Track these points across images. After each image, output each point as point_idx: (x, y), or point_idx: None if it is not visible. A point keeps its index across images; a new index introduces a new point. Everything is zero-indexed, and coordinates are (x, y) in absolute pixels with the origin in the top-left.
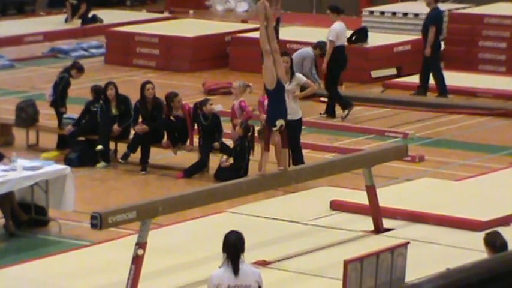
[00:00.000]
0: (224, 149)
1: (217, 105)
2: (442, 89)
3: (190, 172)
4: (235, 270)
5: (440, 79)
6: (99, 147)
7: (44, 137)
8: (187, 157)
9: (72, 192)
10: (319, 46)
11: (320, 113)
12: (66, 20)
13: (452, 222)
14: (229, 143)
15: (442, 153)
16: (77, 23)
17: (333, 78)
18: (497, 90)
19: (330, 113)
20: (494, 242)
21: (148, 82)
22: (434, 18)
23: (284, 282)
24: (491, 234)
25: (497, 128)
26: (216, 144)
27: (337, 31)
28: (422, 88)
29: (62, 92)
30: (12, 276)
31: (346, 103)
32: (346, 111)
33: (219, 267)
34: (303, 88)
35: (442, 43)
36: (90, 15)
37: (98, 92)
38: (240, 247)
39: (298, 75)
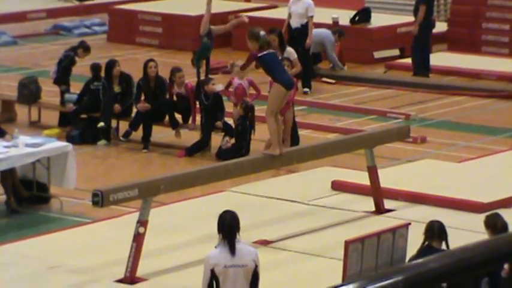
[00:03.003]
0: (226, 129)
1: (219, 84)
2: (419, 69)
3: (191, 151)
4: (232, 250)
5: (421, 59)
6: (101, 124)
7: (46, 114)
8: (189, 136)
9: (73, 169)
10: (339, 32)
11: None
12: None
13: (454, 203)
14: (230, 122)
15: (444, 135)
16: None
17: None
18: (500, 72)
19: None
20: (494, 224)
21: (151, 60)
22: None
23: (285, 261)
24: (491, 216)
25: (500, 110)
26: (219, 123)
27: (313, 6)
28: (424, 68)
29: (65, 69)
30: (13, 253)
31: (310, 84)
32: (306, 89)
33: (215, 247)
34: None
35: (446, 24)
36: None
37: (97, 69)
38: (235, 226)
39: (290, 50)
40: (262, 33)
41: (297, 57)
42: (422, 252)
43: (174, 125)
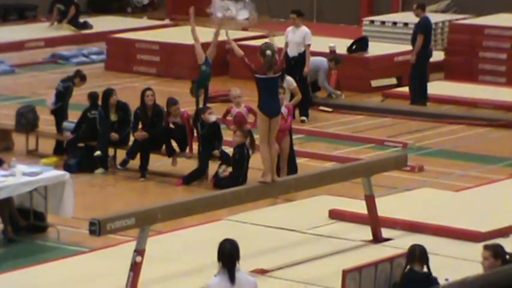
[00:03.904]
0: (224, 157)
1: (213, 115)
2: (416, 97)
3: (189, 179)
4: (232, 279)
5: (418, 87)
6: (97, 152)
7: (43, 142)
8: (186, 164)
9: (71, 198)
10: (336, 60)
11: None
12: (52, 24)
13: (451, 232)
14: (230, 150)
15: (442, 164)
16: (67, 28)
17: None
18: (497, 101)
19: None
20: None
21: (149, 89)
22: (422, 27)
23: None
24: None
25: (497, 139)
26: (216, 152)
27: (310, 34)
28: (421, 97)
29: (66, 101)
30: (10, 282)
31: (307, 112)
32: (303, 118)
33: (215, 276)
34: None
35: (443, 53)
36: (81, 20)
37: (95, 98)
38: (235, 255)
39: (289, 79)
40: (268, 52)
41: (296, 86)
42: (405, 276)
43: (170, 152)
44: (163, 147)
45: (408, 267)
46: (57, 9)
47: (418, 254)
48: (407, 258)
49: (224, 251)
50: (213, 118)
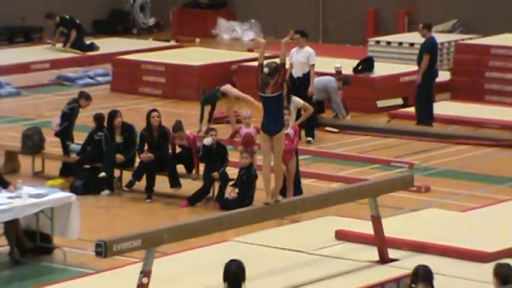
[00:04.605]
0: (223, 179)
1: (207, 138)
2: (423, 118)
3: (193, 200)
4: None
5: (425, 108)
6: (102, 174)
7: (49, 164)
8: (193, 186)
9: (77, 219)
10: (344, 80)
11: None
12: (53, 45)
13: (458, 253)
14: (235, 172)
15: (448, 184)
16: (71, 51)
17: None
18: (504, 121)
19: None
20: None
21: (154, 110)
22: (428, 47)
23: None
24: (502, 266)
25: (504, 159)
26: (215, 174)
27: (314, 55)
28: (427, 117)
29: (72, 122)
30: None
31: (313, 133)
32: (309, 138)
33: None
34: (299, 112)
35: (449, 73)
36: (88, 42)
37: (101, 120)
38: (240, 276)
39: (296, 99)
40: (265, 70)
41: (304, 102)
42: None
43: (174, 184)
44: (168, 177)
45: (412, 286)
46: (60, 31)
47: (421, 274)
48: (411, 278)
49: (230, 272)
50: (207, 141)
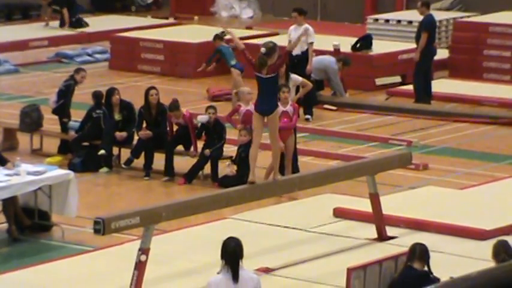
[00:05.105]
0: (215, 156)
1: (203, 116)
2: (421, 96)
3: (190, 176)
4: (235, 277)
5: (423, 86)
6: (101, 151)
7: (48, 142)
8: (191, 163)
9: (75, 197)
10: (344, 61)
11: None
12: (46, 25)
13: (456, 230)
14: (234, 149)
15: (446, 162)
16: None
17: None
18: (501, 99)
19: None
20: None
21: (153, 88)
22: (426, 25)
23: None
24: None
25: (502, 137)
26: (207, 151)
27: (313, 32)
28: (426, 95)
29: (68, 99)
30: (15, 281)
31: (312, 110)
32: (308, 116)
33: (218, 273)
34: (298, 90)
35: (447, 51)
36: (74, 18)
37: (99, 97)
38: (239, 253)
39: (294, 76)
40: (262, 50)
41: (302, 79)
42: (403, 272)
43: (168, 173)
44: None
45: (408, 264)
46: (52, 10)
47: (418, 252)
48: (407, 256)
49: (227, 249)
50: (202, 119)
